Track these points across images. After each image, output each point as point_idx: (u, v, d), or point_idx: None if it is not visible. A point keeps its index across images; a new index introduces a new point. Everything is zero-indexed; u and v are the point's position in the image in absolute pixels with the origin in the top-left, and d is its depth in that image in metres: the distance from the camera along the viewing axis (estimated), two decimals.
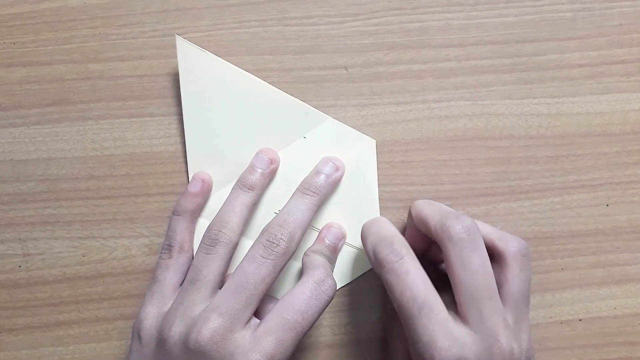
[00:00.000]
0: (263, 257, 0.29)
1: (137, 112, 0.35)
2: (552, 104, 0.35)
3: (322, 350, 0.34)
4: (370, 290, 0.34)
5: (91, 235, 0.34)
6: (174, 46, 0.34)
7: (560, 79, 0.35)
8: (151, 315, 0.30)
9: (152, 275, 0.32)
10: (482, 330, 0.26)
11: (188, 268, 0.32)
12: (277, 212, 0.32)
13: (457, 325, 0.27)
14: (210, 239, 0.30)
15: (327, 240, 0.33)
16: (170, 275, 0.31)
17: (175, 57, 0.34)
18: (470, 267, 0.27)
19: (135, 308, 0.34)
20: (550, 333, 0.34)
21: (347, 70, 0.35)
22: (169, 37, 0.35)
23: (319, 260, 0.31)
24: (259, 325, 0.28)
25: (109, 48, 0.35)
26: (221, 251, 0.30)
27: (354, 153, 0.35)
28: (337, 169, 0.33)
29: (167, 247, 0.32)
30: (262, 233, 0.30)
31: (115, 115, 0.35)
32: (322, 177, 0.33)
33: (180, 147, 0.35)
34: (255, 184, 0.32)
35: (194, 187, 0.33)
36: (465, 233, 0.27)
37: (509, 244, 0.29)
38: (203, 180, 0.34)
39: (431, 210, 0.29)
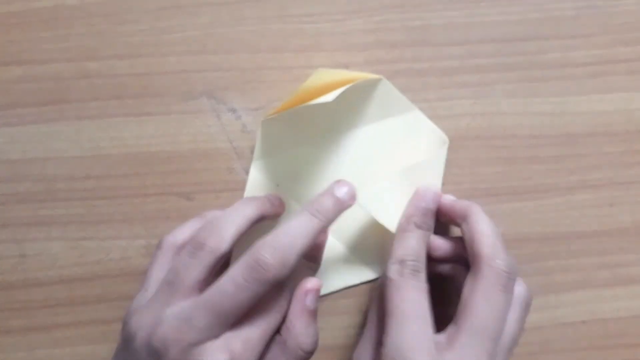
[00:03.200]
0: (245, 281, 0.26)
1: (134, 111, 0.34)
2: (555, 103, 0.35)
3: (323, 351, 0.33)
4: (371, 292, 0.34)
5: (88, 236, 0.34)
6: (172, 44, 0.33)
7: (564, 78, 0.35)
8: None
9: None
10: None
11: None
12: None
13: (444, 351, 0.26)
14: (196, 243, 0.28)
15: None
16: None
17: (172, 55, 0.34)
18: (494, 305, 0.26)
19: None
20: (553, 335, 0.34)
21: (348, 68, 0.35)
22: (167, 34, 0.34)
23: None
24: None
25: (106, 46, 0.35)
26: (205, 257, 0.28)
27: (424, 147, 0.34)
28: (351, 197, 0.30)
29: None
30: (251, 249, 0.27)
31: (112, 114, 0.34)
32: (333, 201, 0.29)
33: (179, 146, 0.34)
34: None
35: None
36: (507, 271, 0.27)
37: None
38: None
39: (489, 231, 0.29)
